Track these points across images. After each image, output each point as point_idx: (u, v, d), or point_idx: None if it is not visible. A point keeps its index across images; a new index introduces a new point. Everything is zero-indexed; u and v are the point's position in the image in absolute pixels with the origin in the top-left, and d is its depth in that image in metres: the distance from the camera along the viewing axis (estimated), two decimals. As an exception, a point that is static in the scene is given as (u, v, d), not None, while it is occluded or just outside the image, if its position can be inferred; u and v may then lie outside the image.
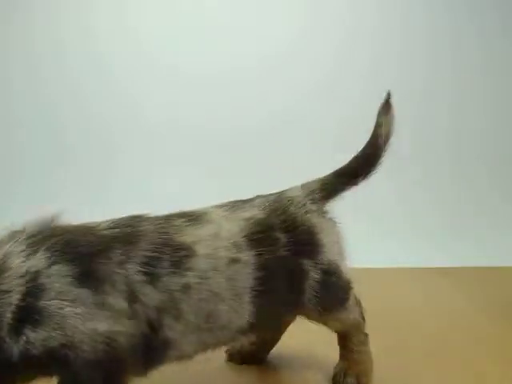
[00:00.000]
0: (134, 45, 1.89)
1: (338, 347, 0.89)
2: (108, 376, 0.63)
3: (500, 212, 1.85)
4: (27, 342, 0.58)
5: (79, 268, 0.61)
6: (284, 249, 0.76)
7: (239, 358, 0.95)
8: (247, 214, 0.78)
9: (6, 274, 0.59)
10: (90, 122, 1.89)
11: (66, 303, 0.60)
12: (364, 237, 1.74)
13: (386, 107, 0.89)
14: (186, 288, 0.67)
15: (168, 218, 0.73)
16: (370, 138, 0.89)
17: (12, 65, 1.89)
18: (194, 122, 1.89)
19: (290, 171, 1.84)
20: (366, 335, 0.88)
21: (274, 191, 0.86)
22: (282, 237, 0.77)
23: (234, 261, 0.72)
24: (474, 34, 1.92)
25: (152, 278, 0.65)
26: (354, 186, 0.87)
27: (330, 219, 0.85)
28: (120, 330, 0.63)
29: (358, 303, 0.88)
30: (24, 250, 0.61)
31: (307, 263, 0.78)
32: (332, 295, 0.81)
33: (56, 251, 0.62)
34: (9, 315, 0.58)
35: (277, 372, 0.92)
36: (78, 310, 0.60)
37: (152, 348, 0.67)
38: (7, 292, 0.59)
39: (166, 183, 1.78)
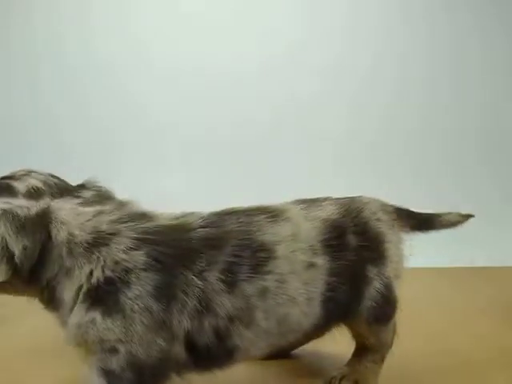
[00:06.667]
0: (135, 45, 1.89)
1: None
2: (141, 381, 0.64)
3: (500, 212, 1.85)
4: (92, 322, 0.61)
5: (161, 278, 0.62)
6: (353, 253, 0.75)
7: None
8: (324, 214, 0.76)
9: (107, 248, 0.62)
10: (90, 121, 1.89)
11: (137, 308, 0.61)
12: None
13: (464, 217, 0.92)
14: (264, 292, 0.66)
15: (250, 214, 0.71)
16: (435, 213, 0.90)
17: (12, 65, 1.89)
18: (195, 122, 1.88)
19: (291, 172, 1.84)
20: (383, 359, 0.86)
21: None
22: (353, 240, 0.76)
23: (311, 265, 0.71)
24: (473, 35, 1.92)
25: (229, 285, 0.64)
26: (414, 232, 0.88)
27: (399, 234, 0.84)
28: (172, 350, 0.64)
29: (394, 329, 0.87)
30: (130, 240, 0.63)
31: (372, 270, 0.77)
32: (384, 309, 0.80)
33: (152, 255, 0.62)
34: (85, 288, 0.62)
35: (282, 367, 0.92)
36: (145, 320, 0.61)
37: (214, 356, 0.66)
38: (97, 263, 0.62)
39: (166, 183, 1.78)
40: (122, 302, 0.61)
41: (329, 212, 0.77)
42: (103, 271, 0.61)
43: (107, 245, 0.63)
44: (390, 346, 0.86)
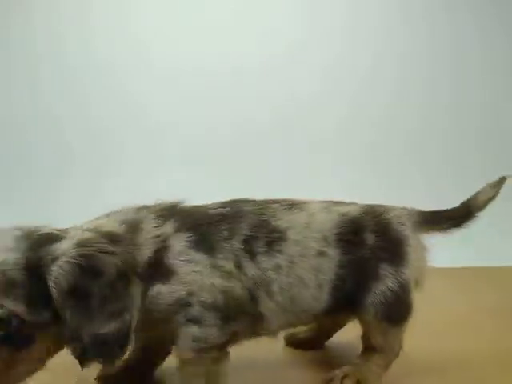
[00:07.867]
0: (135, 45, 1.89)
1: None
2: (225, 317, 0.69)
3: (500, 211, 1.85)
4: (158, 292, 0.67)
5: (196, 236, 0.70)
6: (369, 251, 0.78)
7: (296, 343, 0.98)
8: (344, 210, 0.80)
9: (140, 233, 0.69)
10: (90, 121, 1.89)
11: (183, 263, 0.68)
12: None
13: (498, 184, 0.96)
14: (277, 268, 0.73)
15: (266, 202, 0.78)
16: (467, 200, 0.94)
17: (12, 65, 1.89)
18: (195, 122, 1.89)
19: (291, 172, 1.85)
20: (388, 365, 0.86)
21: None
22: (371, 238, 0.79)
23: (321, 253, 0.76)
24: (473, 35, 1.92)
25: (251, 254, 0.72)
26: (443, 232, 0.91)
27: (422, 242, 0.86)
28: (232, 285, 0.70)
29: (401, 339, 0.87)
30: (155, 219, 0.71)
31: (386, 268, 0.79)
32: (397, 309, 0.81)
33: (179, 222, 0.71)
34: (140, 265, 0.67)
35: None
36: (196, 268, 0.68)
37: (250, 317, 0.72)
38: (141, 246, 0.68)
39: (166, 183, 1.78)
40: (167, 263, 0.68)
41: (350, 209, 0.81)
42: (152, 251, 0.69)
43: (142, 229, 0.71)
44: (396, 353, 0.86)
